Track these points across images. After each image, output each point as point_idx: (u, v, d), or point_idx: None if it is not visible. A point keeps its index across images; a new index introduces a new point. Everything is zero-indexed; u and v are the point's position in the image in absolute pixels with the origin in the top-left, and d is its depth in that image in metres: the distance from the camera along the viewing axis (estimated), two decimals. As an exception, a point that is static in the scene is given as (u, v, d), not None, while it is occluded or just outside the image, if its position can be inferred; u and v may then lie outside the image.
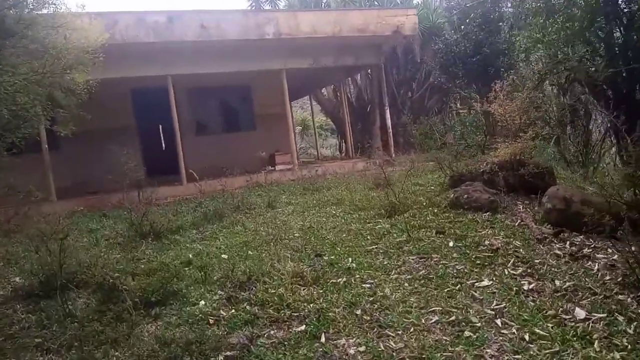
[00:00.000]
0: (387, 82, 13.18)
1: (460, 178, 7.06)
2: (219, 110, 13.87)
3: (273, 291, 3.93)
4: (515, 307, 3.49)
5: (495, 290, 3.75)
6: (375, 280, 4.05)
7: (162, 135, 14.55)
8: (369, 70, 18.84)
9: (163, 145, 14.47)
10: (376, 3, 17.78)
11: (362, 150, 17.16)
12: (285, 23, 10.84)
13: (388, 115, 12.78)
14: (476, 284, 3.86)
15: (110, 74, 9.91)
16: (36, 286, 4.42)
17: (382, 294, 3.81)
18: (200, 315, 3.73)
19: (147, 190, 9.36)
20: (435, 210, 6.12)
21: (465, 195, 6.03)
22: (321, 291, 3.92)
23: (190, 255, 5.24)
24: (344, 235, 5.56)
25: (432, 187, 7.50)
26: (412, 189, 7.75)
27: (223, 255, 5.15)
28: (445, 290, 3.81)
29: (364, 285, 3.97)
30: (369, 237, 5.34)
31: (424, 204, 6.47)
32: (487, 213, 5.74)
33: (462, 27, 12.07)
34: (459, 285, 3.85)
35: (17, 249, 5.91)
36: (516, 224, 5.21)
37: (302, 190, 9.05)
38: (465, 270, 4.09)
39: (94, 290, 4.31)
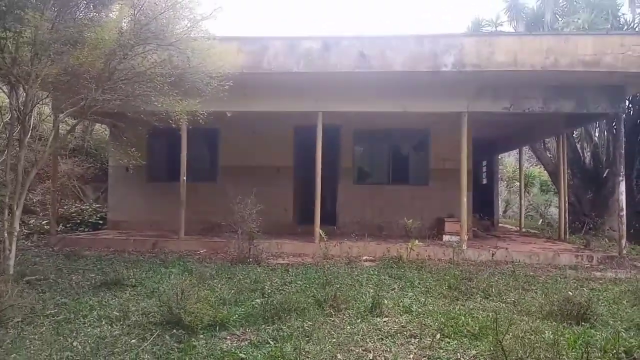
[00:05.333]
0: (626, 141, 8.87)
1: None
2: (386, 156, 11.60)
3: None
4: None
5: None
6: None
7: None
8: (613, 123, 13.99)
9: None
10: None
11: (584, 231, 12.51)
12: (473, 51, 8.02)
13: (623, 189, 8.45)
14: None
15: (247, 107, 8.97)
16: None
17: None
18: None
19: (259, 244, 7.83)
20: None
21: None
22: None
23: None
24: None
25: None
26: None
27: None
28: None
29: None
30: None
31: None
32: None
33: None
34: None
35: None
36: None
37: (444, 289, 6.05)
38: None
39: None
